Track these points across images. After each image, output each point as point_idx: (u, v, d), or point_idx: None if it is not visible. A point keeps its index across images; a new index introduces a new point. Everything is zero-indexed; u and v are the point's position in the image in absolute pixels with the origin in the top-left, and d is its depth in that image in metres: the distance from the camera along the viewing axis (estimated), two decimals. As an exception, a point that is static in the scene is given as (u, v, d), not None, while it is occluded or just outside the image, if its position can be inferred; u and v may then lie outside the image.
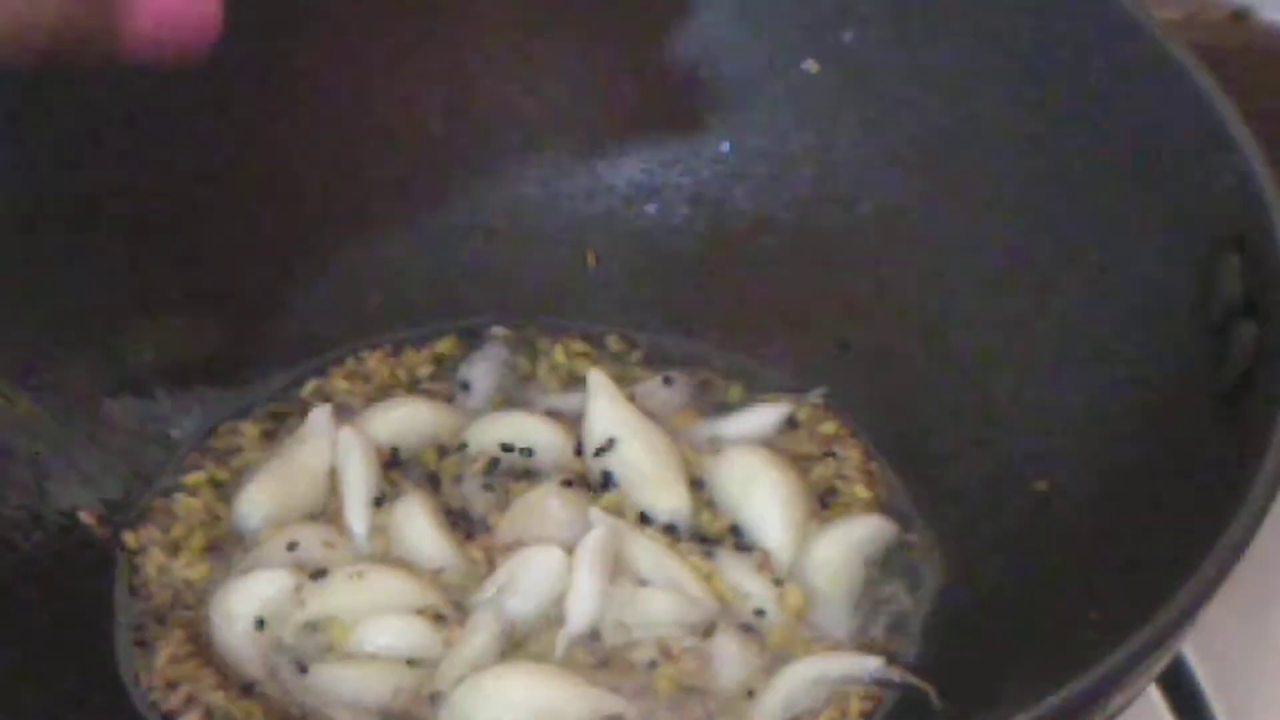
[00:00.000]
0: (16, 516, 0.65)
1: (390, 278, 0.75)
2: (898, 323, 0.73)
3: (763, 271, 0.75)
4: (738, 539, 0.68)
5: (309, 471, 0.69)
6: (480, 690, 0.62)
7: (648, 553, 0.66)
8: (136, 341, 0.71)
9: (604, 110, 0.76)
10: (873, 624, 0.66)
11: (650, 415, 0.71)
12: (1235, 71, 0.65)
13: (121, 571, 0.67)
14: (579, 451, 0.70)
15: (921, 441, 0.71)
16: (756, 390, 0.74)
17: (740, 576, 0.67)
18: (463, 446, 0.71)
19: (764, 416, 0.72)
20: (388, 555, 0.67)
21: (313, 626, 0.65)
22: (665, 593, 0.65)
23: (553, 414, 0.72)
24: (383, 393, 0.73)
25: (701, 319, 0.75)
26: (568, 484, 0.69)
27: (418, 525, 0.67)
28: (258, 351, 0.73)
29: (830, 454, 0.71)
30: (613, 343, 0.75)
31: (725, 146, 0.76)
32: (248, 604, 0.65)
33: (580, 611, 0.64)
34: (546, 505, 0.68)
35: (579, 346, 0.75)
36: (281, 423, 0.72)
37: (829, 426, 0.72)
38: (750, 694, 0.64)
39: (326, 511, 0.69)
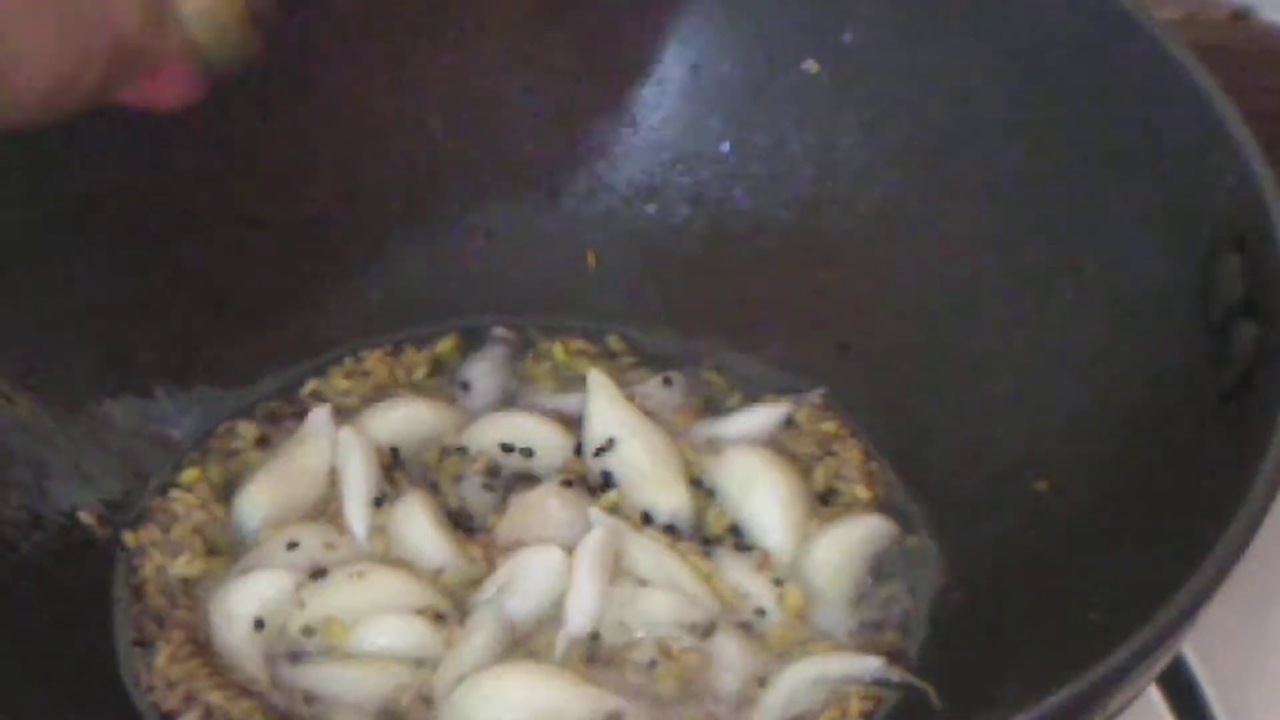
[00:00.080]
0: (16, 516, 0.65)
1: (390, 278, 0.75)
2: (898, 323, 0.73)
3: (763, 272, 0.75)
4: (738, 539, 0.68)
5: (309, 471, 0.69)
6: (480, 690, 0.62)
7: (647, 553, 0.66)
8: (136, 341, 0.71)
9: (603, 110, 0.76)
10: (872, 624, 0.66)
11: (650, 415, 0.71)
12: (1235, 71, 0.65)
13: (121, 571, 0.67)
14: (579, 451, 0.70)
15: (921, 441, 0.71)
16: (756, 390, 0.74)
17: (740, 576, 0.67)
18: (463, 447, 0.71)
19: (764, 416, 0.72)
20: (388, 555, 0.67)
21: (313, 626, 0.65)
22: (665, 593, 0.65)
23: (553, 414, 0.72)
24: (382, 393, 0.73)
25: (701, 319, 0.75)
26: (568, 484, 0.69)
27: (418, 525, 0.67)
28: (257, 351, 0.73)
29: (830, 454, 0.71)
30: (613, 343, 0.75)
31: (725, 146, 0.76)
32: (247, 604, 0.65)
33: (580, 611, 0.64)
34: (546, 505, 0.68)
35: (579, 346, 0.75)
36: (281, 423, 0.72)
37: (829, 426, 0.72)
38: (750, 694, 0.64)
39: (326, 511, 0.69)
